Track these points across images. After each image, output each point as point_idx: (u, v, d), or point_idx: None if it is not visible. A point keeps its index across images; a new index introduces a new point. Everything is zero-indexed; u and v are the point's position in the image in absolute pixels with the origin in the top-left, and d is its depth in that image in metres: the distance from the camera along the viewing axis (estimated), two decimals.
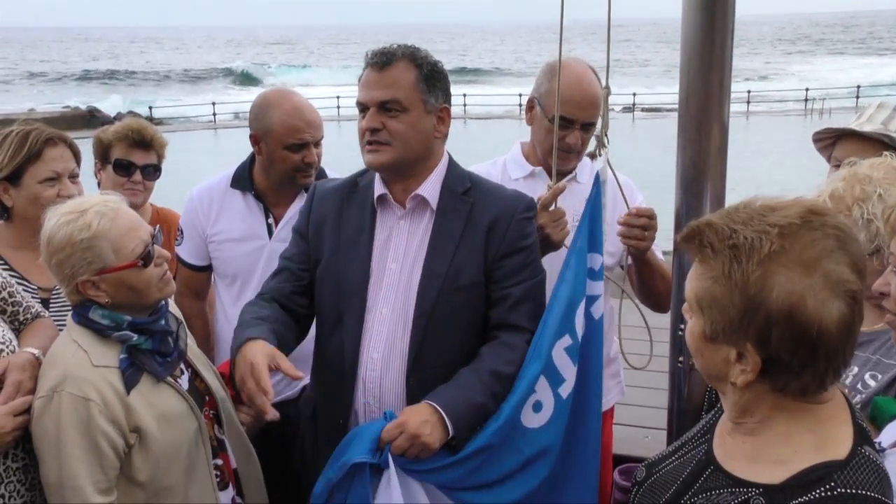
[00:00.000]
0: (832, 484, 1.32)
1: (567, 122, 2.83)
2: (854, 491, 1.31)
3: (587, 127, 2.87)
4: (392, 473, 2.17)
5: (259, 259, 3.06)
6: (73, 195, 2.59)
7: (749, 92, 38.25)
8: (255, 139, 3.09)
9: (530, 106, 3.00)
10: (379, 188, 2.48)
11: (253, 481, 2.50)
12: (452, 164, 2.53)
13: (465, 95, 39.41)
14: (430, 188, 2.45)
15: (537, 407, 2.35)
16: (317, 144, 3.07)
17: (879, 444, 1.69)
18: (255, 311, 2.43)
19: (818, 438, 1.39)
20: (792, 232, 1.36)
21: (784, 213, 1.39)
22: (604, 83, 2.76)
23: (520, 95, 36.05)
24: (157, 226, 2.37)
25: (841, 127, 2.85)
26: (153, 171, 3.39)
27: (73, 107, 35.68)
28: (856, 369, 2.07)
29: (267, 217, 3.11)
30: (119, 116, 27.76)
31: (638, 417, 4.79)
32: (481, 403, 2.29)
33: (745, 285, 1.35)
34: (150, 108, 36.72)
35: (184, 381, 2.35)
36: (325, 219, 2.52)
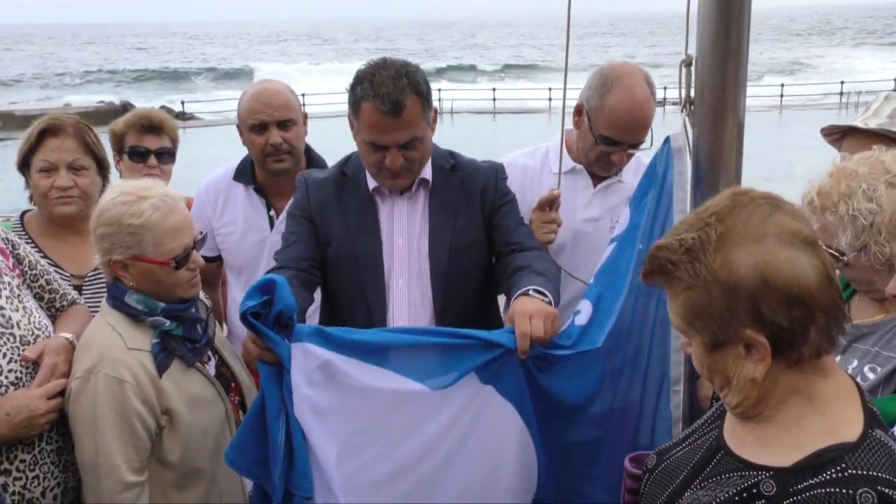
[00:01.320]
0: (843, 465, 1.33)
1: (613, 143, 2.80)
2: (866, 472, 1.32)
3: (635, 146, 2.85)
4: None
5: (262, 251, 3.14)
6: (68, 186, 2.68)
7: (783, 85, 37.72)
8: (239, 130, 3.21)
9: (578, 111, 2.94)
10: (373, 181, 2.64)
11: None
12: (435, 146, 2.71)
13: (494, 90, 39.37)
14: (428, 171, 2.66)
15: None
16: (282, 126, 3.09)
17: (892, 432, 1.70)
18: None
19: (828, 421, 1.41)
20: (727, 213, 1.41)
21: (716, 204, 1.45)
22: (656, 89, 2.74)
23: (549, 90, 35.87)
24: (205, 232, 2.44)
25: (845, 124, 2.82)
26: (167, 156, 3.46)
27: (107, 102, 36.16)
28: (855, 362, 2.07)
29: (268, 210, 3.19)
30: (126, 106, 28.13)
31: None
32: (553, 288, 2.40)
33: (715, 276, 1.38)
34: (182, 102, 37.06)
35: (211, 367, 2.44)
36: (327, 203, 2.66)
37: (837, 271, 2.24)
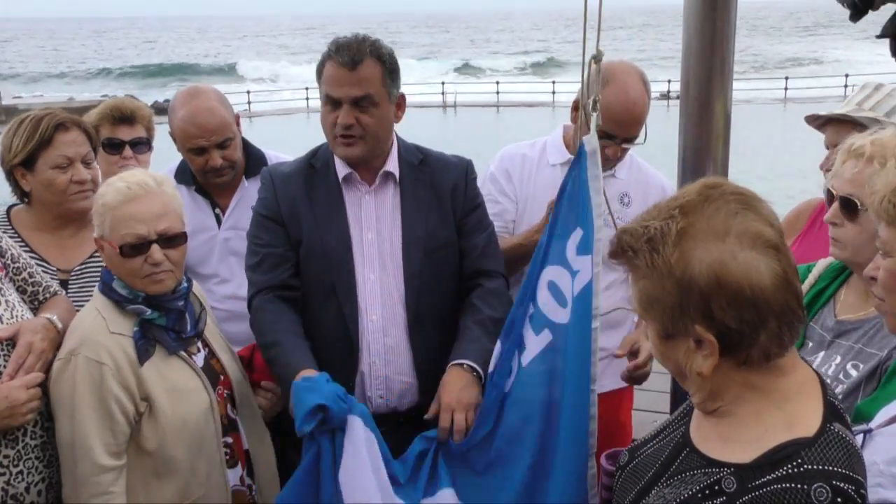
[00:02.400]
0: (800, 461, 1.33)
1: (608, 136, 2.81)
2: (821, 467, 1.32)
3: (629, 140, 2.87)
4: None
5: (213, 248, 3.11)
6: (85, 180, 2.68)
7: (787, 78, 37.59)
8: (172, 137, 3.13)
9: (575, 106, 2.98)
10: (343, 169, 2.65)
11: (264, 463, 2.58)
12: (400, 139, 2.74)
13: (497, 83, 39.36)
14: (393, 164, 2.67)
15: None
16: (222, 146, 3.02)
17: (868, 426, 1.69)
18: (281, 320, 2.56)
19: (787, 416, 1.41)
20: (693, 207, 1.40)
21: (685, 194, 1.44)
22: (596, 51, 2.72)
23: (553, 83, 35.81)
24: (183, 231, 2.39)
25: (824, 114, 2.84)
26: (143, 145, 3.42)
27: (111, 96, 36.21)
28: (838, 358, 2.06)
29: (213, 208, 3.15)
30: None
31: (652, 402, 4.83)
32: (491, 349, 2.52)
33: (670, 270, 1.38)
34: None
35: (199, 359, 2.44)
36: (296, 199, 2.65)
37: (827, 263, 2.23)
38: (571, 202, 2.39)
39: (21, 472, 2.22)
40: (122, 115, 3.38)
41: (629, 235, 1.45)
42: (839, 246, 2.09)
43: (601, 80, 2.77)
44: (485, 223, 2.77)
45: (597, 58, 2.29)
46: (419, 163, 2.71)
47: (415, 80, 41.42)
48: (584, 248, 2.36)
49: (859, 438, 1.64)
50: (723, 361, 1.41)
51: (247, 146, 3.21)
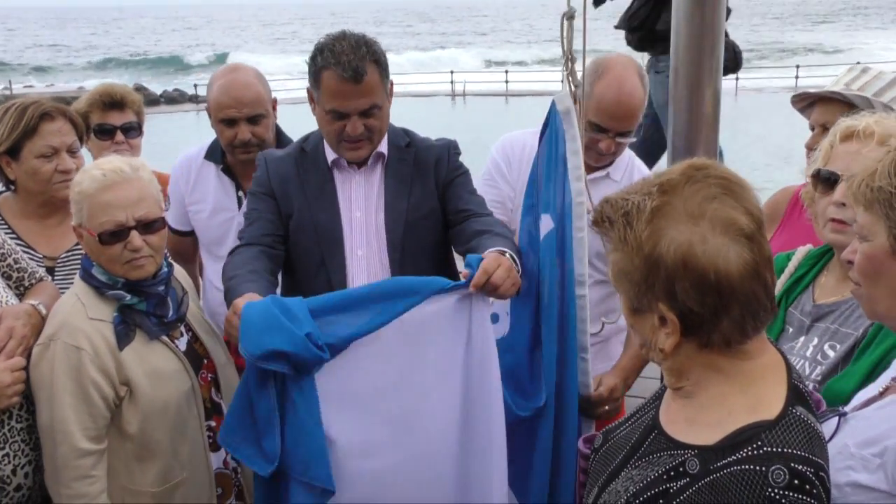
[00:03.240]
0: (759, 443, 1.34)
1: (601, 130, 2.81)
2: (780, 449, 1.32)
3: (623, 135, 2.84)
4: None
5: (230, 230, 3.14)
6: (70, 169, 2.68)
7: (798, 67, 37.36)
8: (208, 113, 3.18)
9: (573, 100, 2.98)
10: (332, 153, 2.68)
11: None
12: (390, 124, 2.77)
13: (506, 72, 39.28)
14: (384, 146, 2.72)
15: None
16: (253, 121, 3.06)
17: (843, 409, 1.69)
18: (246, 263, 2.49)
19: (751, 399, 1.41)
20: (672, 187, 1.40)
21: (669, 172, 1.43)
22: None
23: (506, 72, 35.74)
24: (160, 216, 2.37)
25: (814, 91, 2.80)
26: (134, 130, 3.45)
27: (119, 84, 36.31)
28: (816, 340, 2.07)
29: (237, 190, 3.19)
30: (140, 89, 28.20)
31: (646, 389, 4.81)
32: (516, 250, 2.47)
33: (640, 245, 1.38)
34: (195, 85, 37.20)
35: (181, 343, 2.44)
36: (287, 179, 2.69)
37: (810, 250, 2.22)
38: (542, 171, 2.44)
39: (7, 454, 2.23)
40: (112, 101, 3.39)
41: (609, 206, 1.46)
42: (845, 231, 2.02)
43: (596, 72, 2.81)
44: (470, 184, 2.79)
45: (569, 15, 2.28)
46: (406, 145, 2.77)
47: (424, 70, 41.47)
48: (546, 207, 2.42)
49: (834, 422, 1.64)
50: (685, 341, 1.42)
51: (279, 134, 3.25)
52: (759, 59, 48.42)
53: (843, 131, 2.11)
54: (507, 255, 2.33)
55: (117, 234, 2.25)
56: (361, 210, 2.71)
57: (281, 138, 3.25)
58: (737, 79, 35.52)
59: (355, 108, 2.54)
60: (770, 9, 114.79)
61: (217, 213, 3.18)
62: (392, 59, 2.72)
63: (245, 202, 3.09)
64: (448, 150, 2.79)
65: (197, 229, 3.31)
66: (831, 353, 2.01)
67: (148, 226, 2.29)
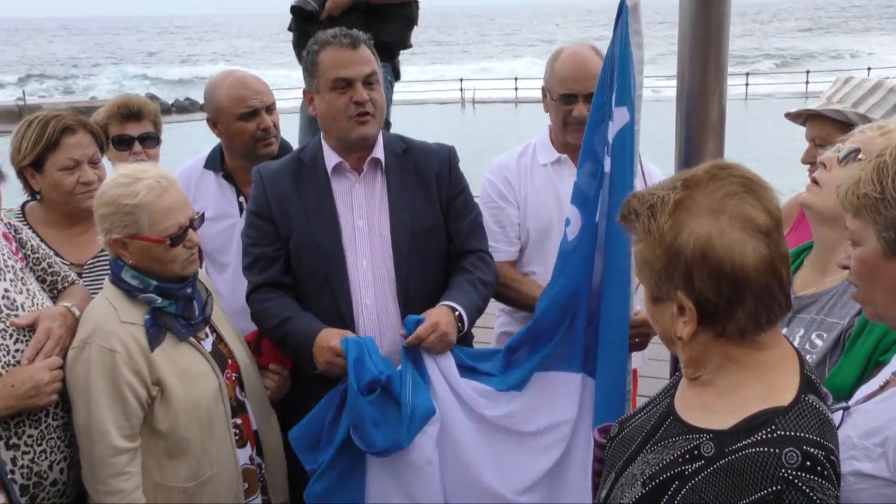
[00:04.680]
0: (773, 427, 1.41)
1: (570, 97, 2.99)
2: (793, 433, 1.40)
3: (589, 99, 2.93)
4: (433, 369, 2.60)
5: (232, 236, 3.20)
6: (92, 181, 2.76)
7: (808, 72, 37.21)
8: (212, 122, 3.24)
9: (543, 94, 3.18)
10: (332, 159, 2.76)
11: (272, 443, 2.69)
12: (383, 130, 2.85)
13: (516, 79, 39.29)
14: (380, 151, 2.79)
15: None
16: (269, 111, 3.16)
17: (847, 404, 1.76)
18: (287, 303, 2.71)
19: (765, 387, 1.48)
20: (696, 183, 1.49)
21: (695, 170, 1.52)
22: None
23: (515, 79, 35.76)
24: (202, 212, 2.54)
25: (794, 110, 2.95)
26: (151, 140, 3.52)
27: (134, 95, 36.50)
28: (802, 331, 2.17)
29: (238, 196, 3.25)
30: (153, 99, 28.31)
31: (653, 389, 4.86)
32: (479, 306, 2.75)
33: (662, 236, 1.47)
34: None
35: (207, 344, 2.54)
36: (285, 196, 2.74)
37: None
38: (617, 64, 2.52)
39: (44, 450, 2.32)
40: (130, 112, 3.47)
41: (637, 200, 1.54)
42: (814, 189, 2.21)
43: (554, 57, 3.10)
44: (470, 206, 2.90)
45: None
46: (403, 151, 2.82)
47: (433, 77, 41.48)
48: (621, 99, 2.51)
49: (838, 415, 1.70)
50: (702, 330, 1.50)
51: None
52: (774, 64, 48.32)
53: (875, 126, 2.23)
54: (457, 313, 2.62)
55: (181, 236, 2.37)
56: (364, 218, 2.75)
57: (281, 143, 3.29)
58: (746, 84, 35.60)
59: (358, 73, 2.64)
60: (780, 14, 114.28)
61: (218, 220, 3.22)
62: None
63: (246, 207, 3.14)
64: (448, 160, 2.85)
65: (200, 239, 3.33)
66: (819, 343, 2.11)
67: (194, 223, 2.44)
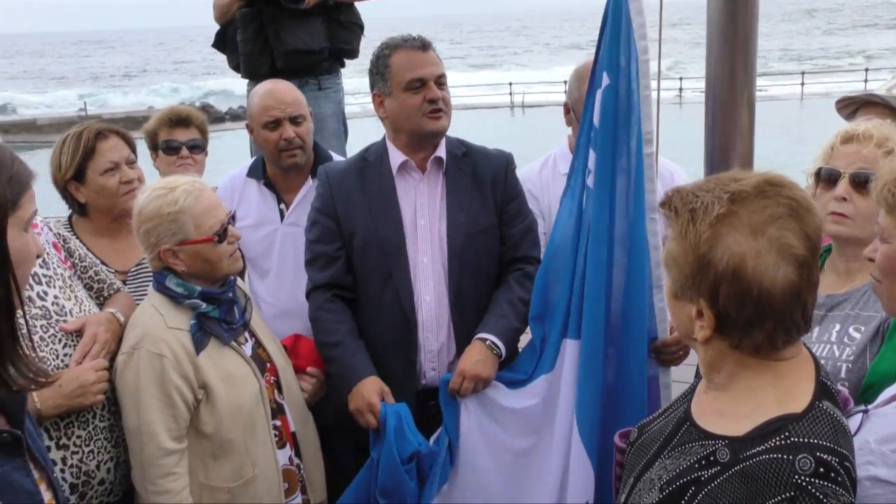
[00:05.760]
0: (787, 433, 1.43)
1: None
2: (807, 440, 1.41)
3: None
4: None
5: (274, 242, 3.29)
6: (132, 179, 2.88)
7: (867, 70, 36.21)
8: (249, 129, 3.36)
9: (566, 110, 3.24)
10: (398, 157, 2.88)
11: (310, 444, 2.77)
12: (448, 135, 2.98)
13: (565, 82, 39.02)
14: (442, 151, 2.90)
15: None
16: (294, 122, 3.21)
17: (866, 407, 1.76)
18: (341, 321, 2.84)
19: (779, 393, 1.50)
20: (742, 198, 1.47)
21: (743, 183, 1.50)
22: None
23: (564, 82, 35.36)
24: (233, 209, 2.64)
25: (861, 94, 2.92)
26: (198, 147, 3.65)
27: (187, 103, 37.31)
28: (838, 326, 2.18)
29: (279, 203, 3.32)
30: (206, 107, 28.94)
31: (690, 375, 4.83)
32: (517, 328, 2.83)
33: (697, 244, 1.48)
34: None
35: (247, 348, 2.63)
36: (351, 193, 2.86)
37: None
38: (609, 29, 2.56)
39: (92, 451, 2.43)
40: (179, 118, 3.62)
41: (679, 197, 1.55)
42: (845, 223, 2.21)
43: (579, 77, 3.13)
44: (524, 212, 2.98)
45: None
46: (462, 154, 2.93)
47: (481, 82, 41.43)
48: (607, 65, 2.56)
49: (858, 418, 1.71)
50: (717, 338, 1.52)
51: (316, 147, 3.39)
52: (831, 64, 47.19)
53: (844, 134, 2.26)
54: (488, 343, 2.74)
55: (225, 232, 2.49)
56: (426, 218, 2.87)
57: (319, 152, 3.37)
58: (802, 84, 34.85)
59: (431, 73, 2.78)
60: (839, 14, 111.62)
61: (260, 226, 3.29)
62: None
63: (287, 214, 3.26)
64: (506, 167, 2.95)
65: (242, 245, 3.31)
66: (857, 335, 2.12)
67: (231, 220, 2.55)
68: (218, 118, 31.72)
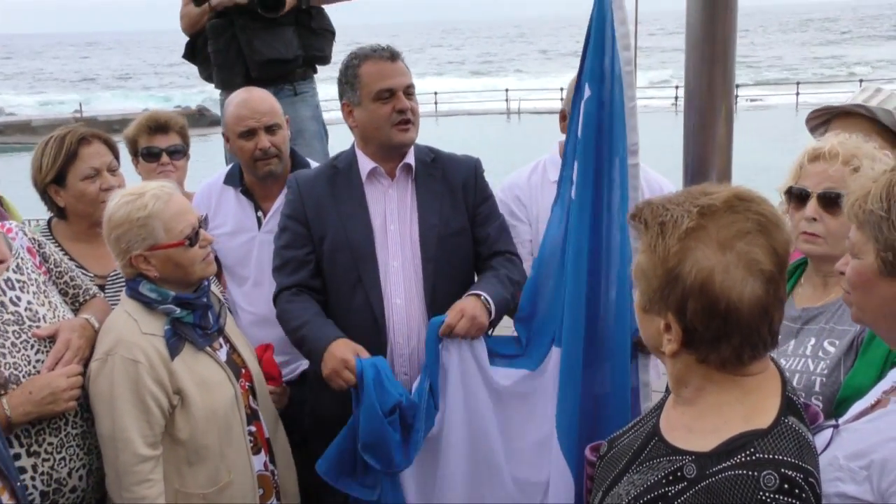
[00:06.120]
0: (752, 450, 1.43)
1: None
2: (771, 456, 1.41)
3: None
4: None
5: (251, 249, 3.29)
6: (113, 187, 2.86)
7: (861, 81, 36.31)
8: (225, 138, 3.36)
9: (562, 117, 3.21)
10: (367, 164, 2.88)
11: (282, 449, 2.77)
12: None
13: (561, 89, 39.10)
14: (411, 157, 2.94)
15: None
16: (269, 131, 3.21)
17: (836, 422, 1.76)
18: (307, 308, 2.82)
19: (746, 409, 1.50)
20: (712, 212, 1.48)
21: (713, 197, 1.51)
22: None
23: (561, 90, 35.60)
24: (206, 213, 2.62)
25: (836, 105, 2.93)
26: (179, 153, 3.63)
27: (183, 106, 37.28)
28: (813, 339, 2.20)
29: (256, 211, 3.32)
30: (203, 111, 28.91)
31: None
32: (506, 299, 2.84)
33: (666, 258, 1.48)
34: None
35: (222, 354, 2.62)
36: (321, 199, 2.88)
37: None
38: (593, 39, 2.57)
39: (63, 458, 2.41)
40: (158, 125, 3.60)
41: (650, 210, 1.55)
42: (817, 242, 2.23)
43: (571, 83, 2.98)
44: (496, 213, 3.04)
45: None
46: (431, 160, 2.97)
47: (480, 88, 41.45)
48: (588, 76, 2.58)
49: (828, 433, 1.71)
50: (685, 352, 1.52)
51: (293, 154, 3.40)
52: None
53: (811, 152, 2.28)
54: (482, 297, 2.74)
55: (196, 235, 2.48)
56: (396, 222, 2.89)
57: (297, 159, 3.38)
58: (797, 94, 34.96)
59: (401, 84, 2.81)
60: (833, 24, 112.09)
61: (237, 234, 3.30)
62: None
63: (264, 222, 3.26)
64: (475, 171, 3.00)
65: (218, 253, 3.34)
66: (832, 349, 2.14)
67: (201, 225, 2.54)
68: (214, 121, 31.65)
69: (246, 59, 4.28)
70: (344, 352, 2.66)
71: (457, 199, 2.93)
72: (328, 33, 4.53)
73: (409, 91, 2.83)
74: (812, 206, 2.24)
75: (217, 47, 4.32)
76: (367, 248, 2.84)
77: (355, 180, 2.90)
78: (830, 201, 2.19)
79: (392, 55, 2.82)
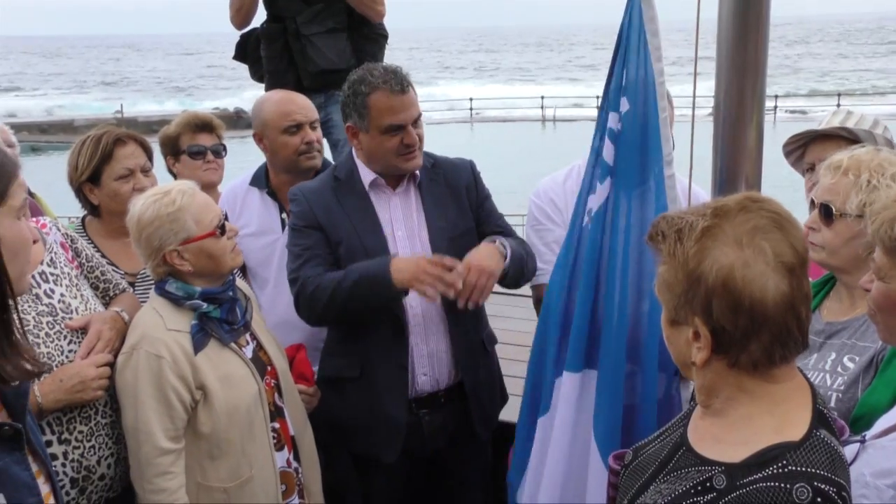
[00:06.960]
0: (785, 462, 1.41)
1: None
2: (804, 469, 1.39)
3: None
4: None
5: (274, 252, 3.31)
6: (146, 187, 2.88)
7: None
8: (257, 137, 3.37)
9: None
10: (368, 175, 2.93)
11: (308, 448, 2.79)
12: None
13: (597, 98, 38.93)
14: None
15: None
16: (312, 127, 3.28)
17: (863, 436, 1.74)
18: (336, 274, 2.81)
19: (777, 421, 1.48)
20: (725, 212, 1.49)
21: (726, 200, 1.53)
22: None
23: (596, 98, 35.39)
24: (226, 212, 2.68)
25: (809, 130, 2.93)
26: (221, 151, 3.77)
27: (221, 108, 37.72)
28: (834, 355, 2.18)
29: (281, 213, 3.36)
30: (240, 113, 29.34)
31: None
32: (521, 254, 2.90)
33: (685, 261, 1.48)
34: None
35: (248, 350, 2.65)
36: (330, 207, 2.89)
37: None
38: (626, 51, 2.54)
39: (93, 446, 2.47)
40: (203, 123, 3.73)
41: (666, 222, 1.56)
42: (815, 249, 2.23)
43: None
44: (496, 211, 3.13)
45: None
46: (431, 166, 3.01)
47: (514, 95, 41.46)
48: (626, 89, 2.54)
49: (854, 448, 1.68)
50: (715, 358, 1.50)
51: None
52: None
53: (826, 163, 2.29)
54: (497, 242, 2.81)
55: (223, 227, 2.53)
56: (403, 228, 2.91)
57: (323, 162, 3.41)
58: (838, 106, 34.43)
59: (409, 117, 2.81)
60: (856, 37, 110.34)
61: (261, 235, 3.33)
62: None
63: (288, 224, 3.23)
64: (472, 172, 3.09)
65: (243, 254, 3.34)
66: (850, 365, 2.12)
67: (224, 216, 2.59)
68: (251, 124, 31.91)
69: (297, 67, 4.33)
70: (409, 258, 2.75)
71: (461, 202, 2.99)
72: (381, 38, 4.52)
73: (417, 121, 2.85)
74: (814, 216, 2.28)
75: (270, 53, 4.37)
76: (381, 251, 2.85)
77: (359, 189, 2.92)
78: (826, 213, 2.21)
79: (402, 87, 2.79)
